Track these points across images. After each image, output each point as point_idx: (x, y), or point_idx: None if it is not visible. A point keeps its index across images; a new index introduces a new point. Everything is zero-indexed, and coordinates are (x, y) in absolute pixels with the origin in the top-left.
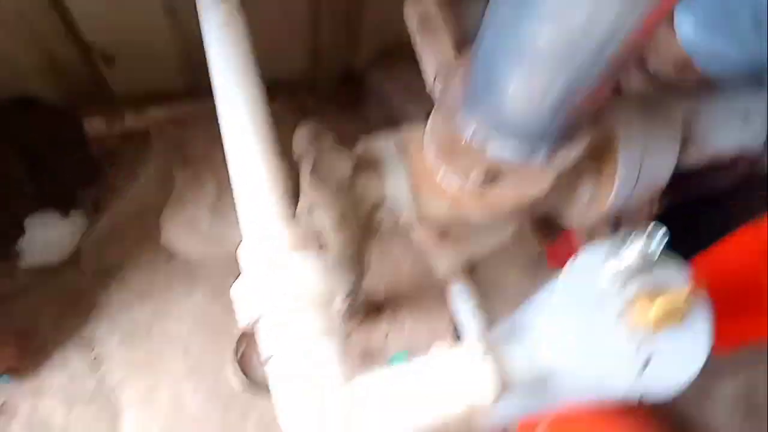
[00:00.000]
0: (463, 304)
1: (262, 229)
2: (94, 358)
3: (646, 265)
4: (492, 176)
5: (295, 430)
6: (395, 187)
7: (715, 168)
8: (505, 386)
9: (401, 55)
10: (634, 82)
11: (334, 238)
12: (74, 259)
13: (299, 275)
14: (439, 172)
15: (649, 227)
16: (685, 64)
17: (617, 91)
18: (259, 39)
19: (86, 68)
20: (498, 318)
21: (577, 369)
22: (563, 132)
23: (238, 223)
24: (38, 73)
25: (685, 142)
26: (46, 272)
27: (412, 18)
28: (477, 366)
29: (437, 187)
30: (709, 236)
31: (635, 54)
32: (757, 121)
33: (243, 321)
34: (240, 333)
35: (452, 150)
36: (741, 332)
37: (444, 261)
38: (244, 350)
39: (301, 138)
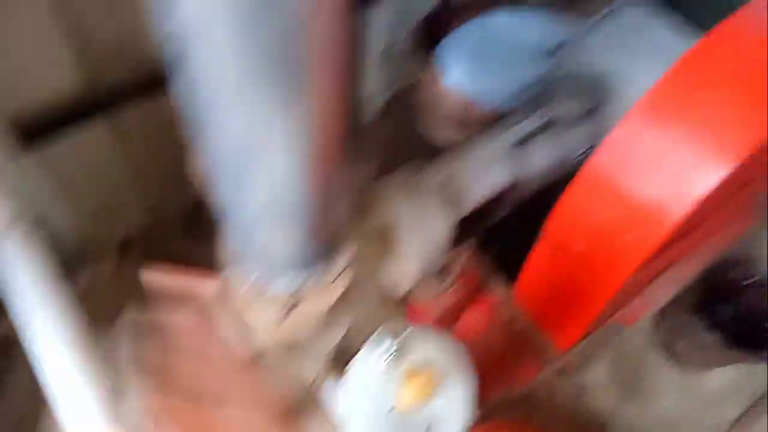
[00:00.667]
0: None
1: None
2: None
3: (397, 358)
4: (291, 306)
5: None
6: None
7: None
8: None
9: None
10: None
11: None
12: None
13: None
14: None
15: (374, 336)
16: (467, 108)
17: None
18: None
19: None
20: None
21: None
22: (324, 255)
23: None
24: None
25: (456, 203)
26: None
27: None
28: None
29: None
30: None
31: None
32: (504, 161)
33: None
34: None
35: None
36: None
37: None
38: None
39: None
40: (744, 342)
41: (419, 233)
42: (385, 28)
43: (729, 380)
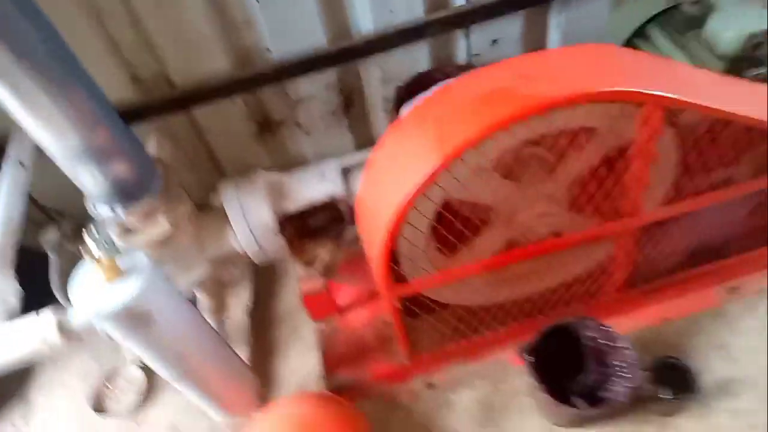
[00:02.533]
0: None
1: None
2: None
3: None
4: (130, 230)
5: None
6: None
7: (318, 208)
8: (64, 331)
9: None
10: None
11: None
12: None
13: None
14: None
15: (88, 238)
16: None
17: None
18: None
19: None
20: None
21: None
22: (124, 195)
23: None
24: None
25: (281, 197)
26: None
27: None
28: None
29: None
30: None
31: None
32: (332, 177)
33: None
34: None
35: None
36: None
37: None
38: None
39: None
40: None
41: (244, 215)
42: (378, 86)
43: None
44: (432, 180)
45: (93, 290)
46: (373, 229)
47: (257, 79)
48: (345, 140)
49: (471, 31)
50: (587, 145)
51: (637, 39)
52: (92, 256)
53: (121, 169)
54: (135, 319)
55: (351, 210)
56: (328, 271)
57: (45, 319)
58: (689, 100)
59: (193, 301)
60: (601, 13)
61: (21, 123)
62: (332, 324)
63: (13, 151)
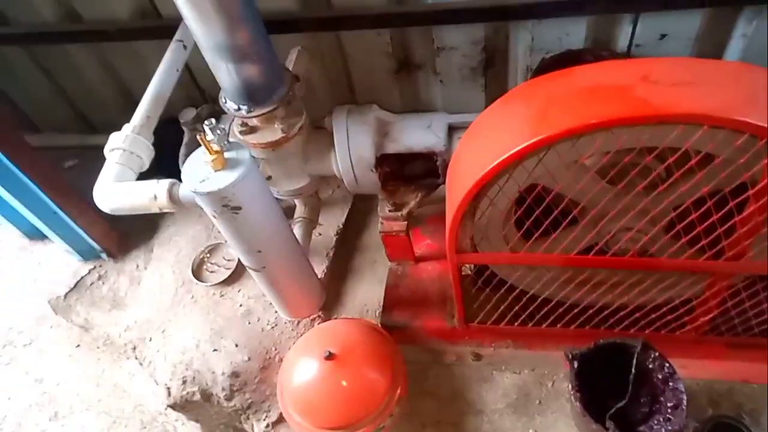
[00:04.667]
0: None
1: None
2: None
3: (217, 139)
4: (250, 129)
5: (97, 196)
6: None
7: (417, 156)
8: (171, 198)
9: None
10: None
11: (183, 149)
12: None
13: None
14: (234, 126)
15: (206, 127)
16: None
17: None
18: None
19: None
20: None
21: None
22: (249, 96)
23: None
24: None
25: (385, 137)
26: None
27: None
28: (159, 187)
29: (235, 135)
30: None
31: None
32: (437, 130)
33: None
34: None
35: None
36: None
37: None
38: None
39: None
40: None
41: (347, 141)
42: (525, 52)
43: None
44: (517, 158)
45: (200, 170)
46: (456, 190)
47: (409, 17)
48: (476, 98)
49: (640, 19)
50: (701, 171)
51: None
52: (206, 143)
53: (252, 71)
54: (224, 204)
55: (445, 167)
56: (411, 218)
57: (161, 185)
58: None
59: (291, 209)
60: None
61: (181, 10)
62: (404, 267)
63: (179, 34)
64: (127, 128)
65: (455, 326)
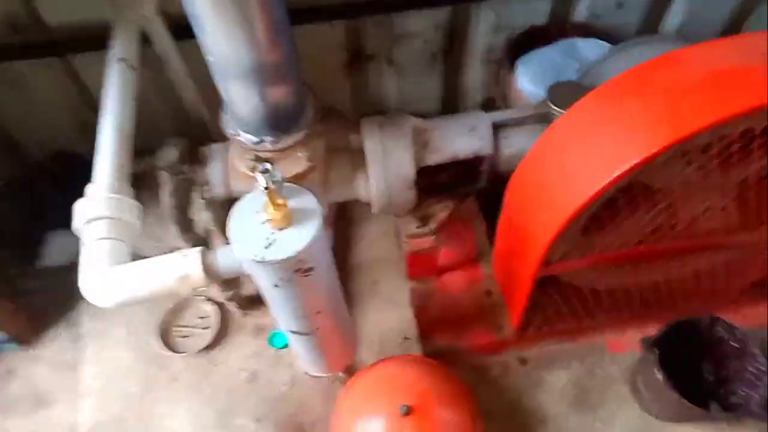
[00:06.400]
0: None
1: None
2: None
3: (276, 189)
4: (263, 161)
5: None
6: (215, 173)
7: (466, 166)
8: (209, 272)
9: None
10: None
11: (166, 202)
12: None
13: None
14: (239, 163)
15: (263, 168)
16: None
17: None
18: None
19: None
20: None
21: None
22: (276, 125)
23: None
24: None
25: (424, 147)
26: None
27: None
28: (189, 260)
29: (240, 172)
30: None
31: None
32: (483, 132)
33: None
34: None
35: (242, 149)
36: None
37: None
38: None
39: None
40: (706, 403)
41: (384, 160)
42: (487, 33)
43: None
44: (652, 159)
45: (256, 232)
46: (545, 201)
47: (369, 5)
48: (433, 87)
49: None
50: None
51: None
52: (273, 199)
53: (283, 94)
54: (297, 268)
55: (493, 171)
56: (439, 231)
57: (191, 258)
58: None
59: None
60: None
61: (200, 24)
62: (427, 285)
63: (119, 50)
64: (98, 188)
65: (505, 337)
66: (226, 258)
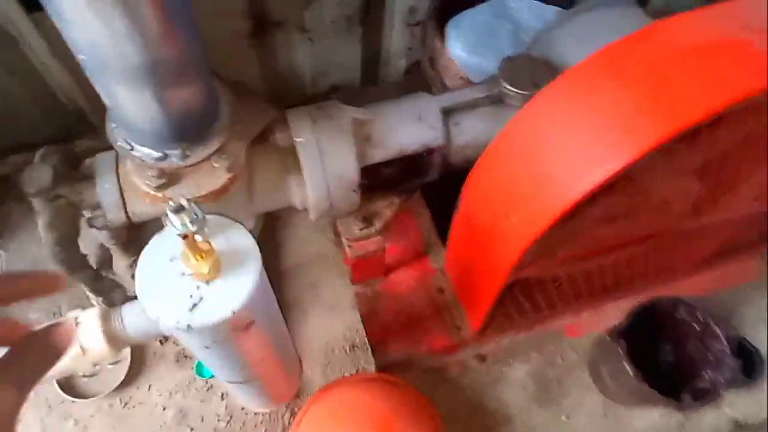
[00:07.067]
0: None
1: None
2: None
3: (198, 230)
4: (170, 178)
5: None
6: (106, 194)
7: (414, 159)
8: (114, 341)
9: None
10: None
11: (45, 236)
12: None
13: None
14: (138, 180)
15: (175, 206)
16: (462, 78)
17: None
18: None
19: None
20: None
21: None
22: (183, 135)
23: None
24: None
25: (366, 142)
26: None
27: None
28: (84, 329)
29: (140, 191)
30: None
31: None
32: (432, 121)
33: None
34: None
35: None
36: None
37: None
38: None
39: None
40: (670, 389)
41: (322, 161)
42: None
43: (650, 426)
44: (648, 152)
45: (177, 288)
46: (517, 202)
47: None
48: (352, 55)
49: None
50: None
51: None
52: (193, 248)
53: (190, 96)
54: (235, 327)
55: (445, 164)
56: (385, 230)
57: (88, 324)
58: None
59: None
60: None
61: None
62: (373, 287)
63: None
64: None
65: (463, 338)
66: (137, 318)
